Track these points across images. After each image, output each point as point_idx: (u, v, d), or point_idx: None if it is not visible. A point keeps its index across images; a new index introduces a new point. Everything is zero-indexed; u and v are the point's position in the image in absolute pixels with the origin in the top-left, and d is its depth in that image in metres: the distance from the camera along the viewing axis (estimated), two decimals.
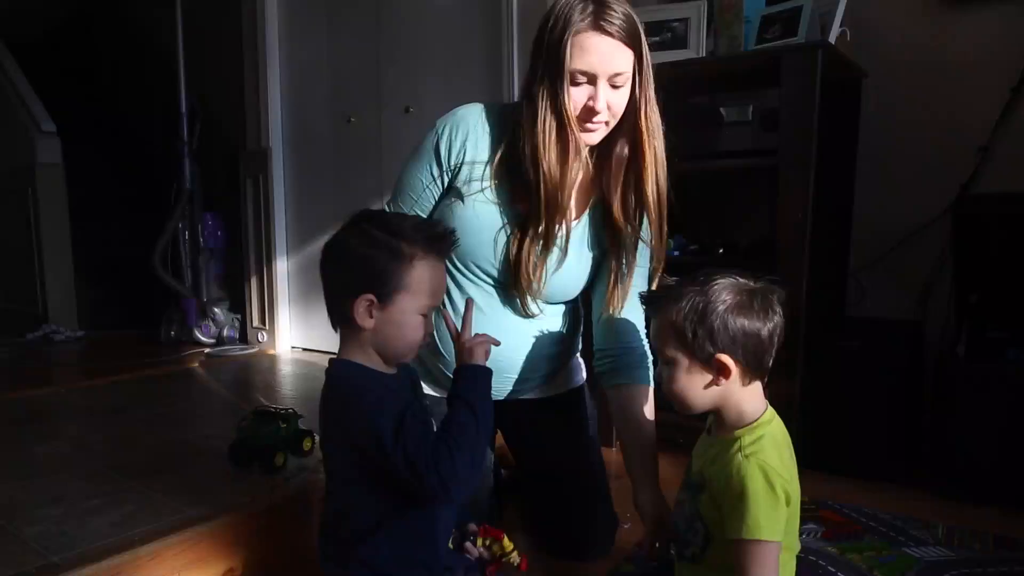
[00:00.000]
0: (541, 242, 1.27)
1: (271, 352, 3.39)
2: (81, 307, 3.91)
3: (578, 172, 1.27)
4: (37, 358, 3.29)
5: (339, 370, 1.05)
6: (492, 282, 1.34)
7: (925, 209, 2.13)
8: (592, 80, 1.18)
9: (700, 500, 1.02)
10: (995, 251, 1.86)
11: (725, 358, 0.97)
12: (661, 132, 1.27)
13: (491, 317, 1.34)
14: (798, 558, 1.06)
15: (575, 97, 1.19)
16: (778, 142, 1.89)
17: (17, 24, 4.43)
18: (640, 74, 1.21)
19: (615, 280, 1.34)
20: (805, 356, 1.89)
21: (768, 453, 0.97)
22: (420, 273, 1.01)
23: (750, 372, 1.00)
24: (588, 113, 1.21)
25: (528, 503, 1.59)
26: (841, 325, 2.14)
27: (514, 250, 1.29)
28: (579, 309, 1.51)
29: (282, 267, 3.40)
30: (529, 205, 1.26)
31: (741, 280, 1.00)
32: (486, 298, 1.34)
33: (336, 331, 1.07)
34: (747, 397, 1.01)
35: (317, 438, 1.70)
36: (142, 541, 1.23)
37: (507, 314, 1.36)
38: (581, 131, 1.23)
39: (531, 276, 1.29)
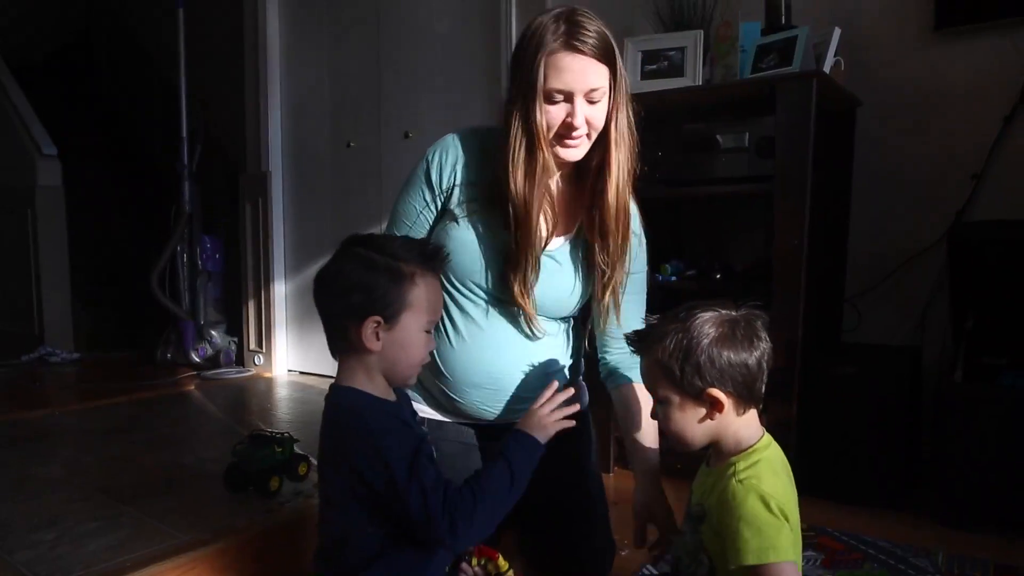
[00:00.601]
0: (522, 259, 1.28)
1: (268, 375, 3.39)
2: (78, 329, 3.91)
3: (544, 191, 1.28)
4: (33, 380, 3.27)
5: (344, 398, 1.04)
6: (489, 298, 1.34)
7: (921, 236, 2.15)
8: (569, 98, 1.20)
9: (702, 532, 1.01)
10: (990, 277, 1.87)
11: (716, 392, 0.97)
12: (629, 141, 1.27)
13: (490, 333, 1.33)
14: None
15: (553, 115, 1.21)
16: (774, 169, 1.91)
17: (19, 47, 4.49)
18: (614, 88, 1.23)
19: (602, 292, 1.35)
20: (802, 382, 1.89)
21: (763, 478, 0.96)
22: (421, 290, 1.03)
23: (743, 402, 1.00)
24: (567, 129, 1.22)
25: (525, 527, 1.57)
26: (838, 351, 2.14)
27: (503, 267, 1.30)
28: (582, 329, 1.51)
29: (280, 290, 3.41)
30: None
31: (723, 311, 1.00)
32: (484, 315, 1.34)
33: (335, 359, 1.07)
34: (743, 426, 1.01)
35: (313, 462, 1.69)
36: (137, 566, 1.22)
37: (507, 329, 1.35)
38: (562, 147, 1.25)
39: (521, 290, 1.29)
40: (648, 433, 1.32)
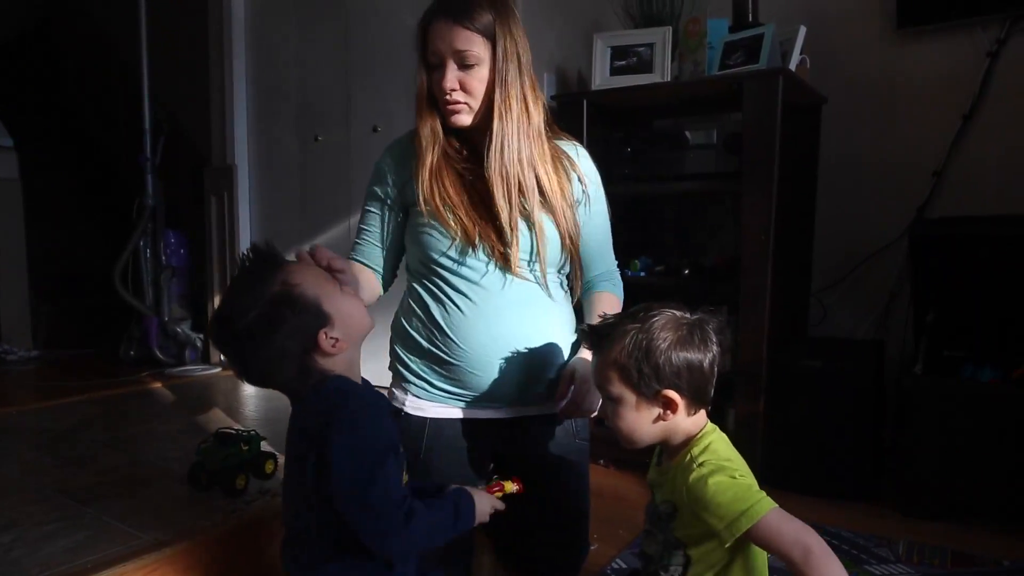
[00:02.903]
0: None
1: (233, 372, 3.34)
2: (36, 326, 3.80)
3: (437, 153, 1.32)
4: None
5: (332, 382, 1.03)
6: (466, 265, 1.32)
7: (884, 231, 2.19)
8: (441, 61, 1.27)
9: (673, 529, 1.02)
10: (951, 272, 1.92)
11: (671, 393, 0.99)
12: (519, 112, 1.30)
13: (486, 304, 1.31)
14: None
15: (432, 80, 1.29)
16: (741, 165, 1.93)
17: None
18: (495, 56, 1.27)
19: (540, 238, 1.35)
20: (768, 376, 1.91)
21: (719, 452, 0.99)
22: (302, 288, 1.00)
23: (694, 403, 1.01)
24: (442, 93, 1.28)
25: (501, 522, 1.56)
26: (804, 345, 2.18)
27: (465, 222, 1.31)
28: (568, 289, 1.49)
29: None
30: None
31: (679, 313, 1.01)
32: (475, 288, 1.32)
33: (295, 401, 1.05)
34: (691, 424, 1.03)
35: (280, 460, 1.67)
36: (97, 568, 1.19)
37: (502, 294, 1.33)
38: (448, 113, 1.30)
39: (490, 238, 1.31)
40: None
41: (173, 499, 1.55)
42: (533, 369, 1.36)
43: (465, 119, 1.31)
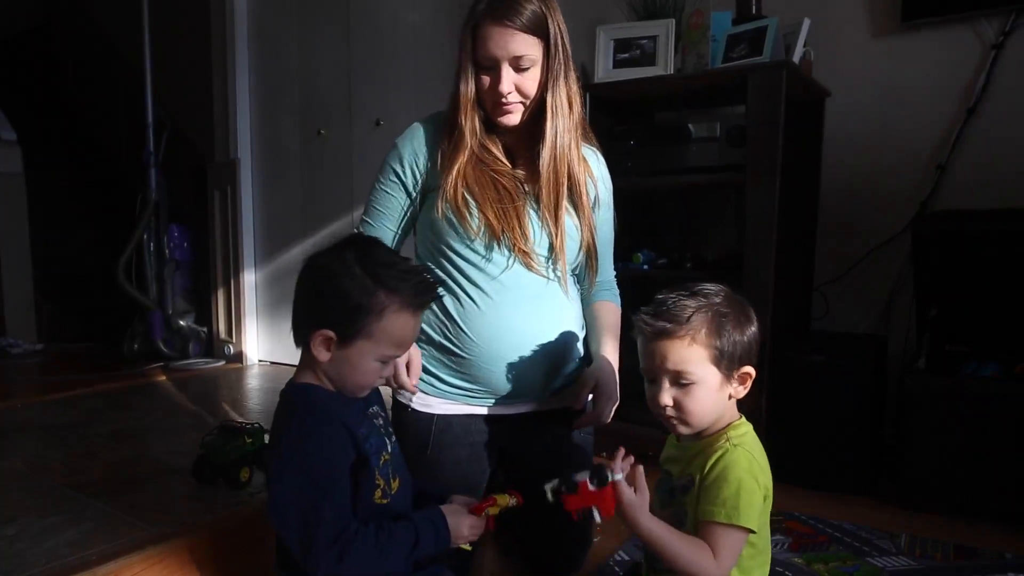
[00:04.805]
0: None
1: (237, 366, 3.34)
2: (41, 320, 3.81)
3: (468, 152, 1.31)
4: None
5: (290, 391, 1.02)
6: (487, 258, 1.32)
7: (887, 225, 2.18)
8: (495, 65, 1.26)
9: (685, 502, 1.01)
10: (954, 267, 1.91)
11: (749, 368, 1.02)
12: (567, 111, 1.31)
13: (502, 298, 1.31)
14: None
15: (484, 82, 1.28)
16: (745, 158, 1.92)
17: None
18: (548, 57, 1.27)
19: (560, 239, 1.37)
20: (771, 370, 1.91)
21: (753, 447, 1.01)
22: (388, 325, 0.97)
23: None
24: (497, 95, 1.27)
25: (504, 516, 1.56)
26: (806, 339, 2.17)
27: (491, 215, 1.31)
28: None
29: (249, 280, 3.36)
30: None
31: (725, 289, 1.04)
32: (492, 283, 1.32)
33: (298, 348, 1.04)
34: (734, 404, 1.06)
35: None
36: (101, 560, 1.20)
37: (520, 290, 1.33)
38: (498, 114, 1.30)
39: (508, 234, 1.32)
40: (614, 323, 1.45)
41: (177, 492, 1.56)
42: (545, 367, 1.36)
43: (516, 119, 1.31)
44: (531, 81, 1.28)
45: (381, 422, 1.09)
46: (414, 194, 1.38)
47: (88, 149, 4.52)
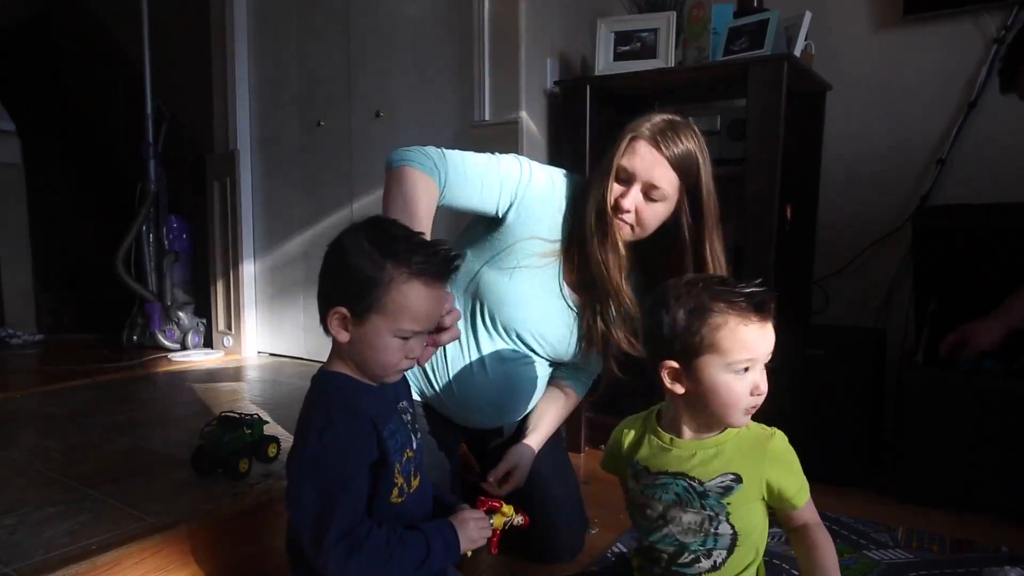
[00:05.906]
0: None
1: (236, 357, 3.34)
2: (40, 310, 3.81)
3: (614, 254, 1.34)
4: None
5: (319, 379, 1.02)
6: (522, 343, 1.43)
7: (887, 219, 2.18)
8: (630, 179, 1.29)
9: (727, 504, 1.01)
10: (953, 261, 1.91)
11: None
12: (679, 268, 1.31)
13: (506, 370, 1.43)
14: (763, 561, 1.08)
15: (614, 189, 1.30)
16: (745, 151, 1.92)
17: None
18: (688, 204, 1.30)
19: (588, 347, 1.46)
20: (770, 363, 1.91)
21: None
22: (399, 296, 0.94)
23: None
24: (617, 206, 1.30)
25: None
26: (806, 332, 2.17)
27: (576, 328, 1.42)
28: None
29: (249, 271, 3.36)
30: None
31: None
32: (490, 347, 1.41)
33: (328, 336, 1.02)
34: None
35: (283, 444, 1.68)
36: (100, 549, 1.20)
37: (522, 369, 1.45)
38: (617, 223, 1.33)
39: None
40: (559, 416, 1.52)
41: (176, 482, 1.56)
42: (507, 416, 1.49)
43: (627, 236, 1.34)
44: (652, 213, 1.30)
45: (409, 418, 1.08)
46: (495, 207, 1.36)
47: (87, 140, 4.51)
